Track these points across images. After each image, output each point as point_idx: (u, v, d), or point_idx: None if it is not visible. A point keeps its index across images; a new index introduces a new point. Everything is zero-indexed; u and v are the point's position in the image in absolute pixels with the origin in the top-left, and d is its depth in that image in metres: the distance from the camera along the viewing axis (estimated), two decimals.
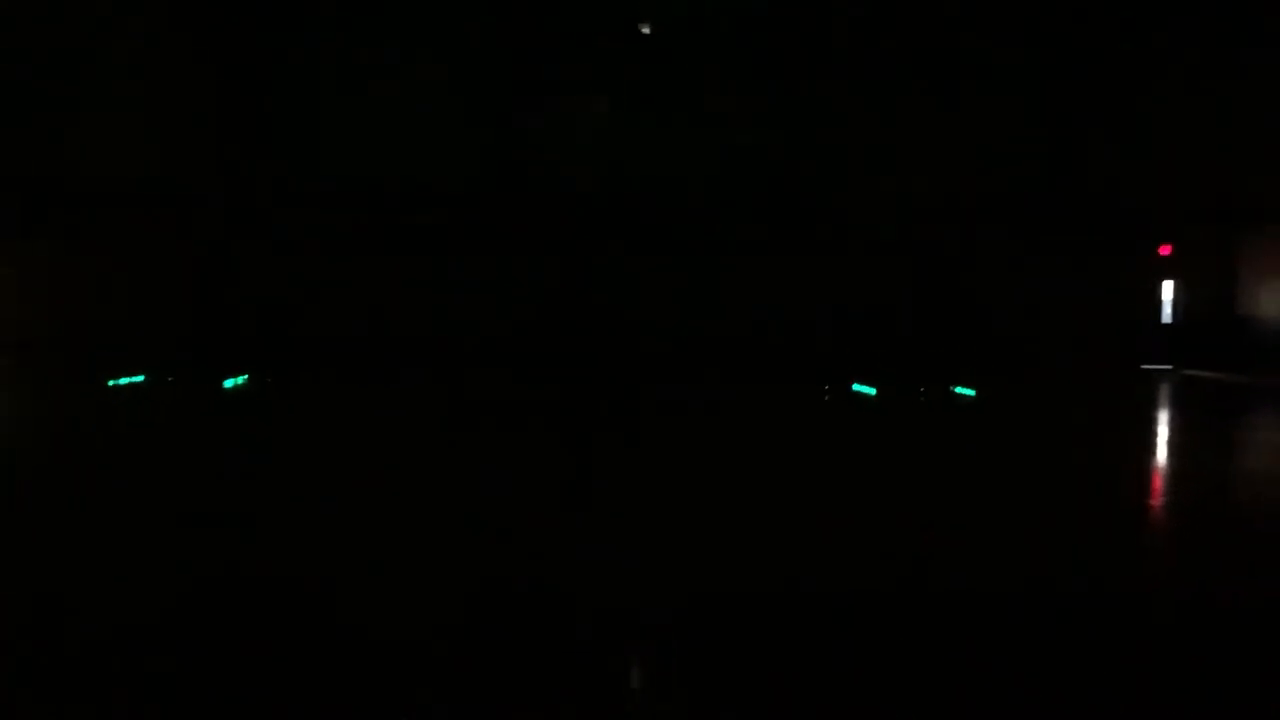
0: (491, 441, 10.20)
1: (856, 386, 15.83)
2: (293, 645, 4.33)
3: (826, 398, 14.70)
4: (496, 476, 8.18)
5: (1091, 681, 4.04)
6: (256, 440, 10.15)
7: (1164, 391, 17.08)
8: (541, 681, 3.97)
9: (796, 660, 4.24)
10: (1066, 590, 5.29)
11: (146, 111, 19.32)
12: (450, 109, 20.00)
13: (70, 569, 5.38)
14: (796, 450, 10.08)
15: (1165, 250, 21.59)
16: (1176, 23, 19.97)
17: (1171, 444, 11.33)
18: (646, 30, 19.75)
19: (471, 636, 4.47)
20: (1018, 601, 5.08)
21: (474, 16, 19.91)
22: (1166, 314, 21.83)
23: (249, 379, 15.66)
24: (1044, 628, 4.70)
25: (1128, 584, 5.50)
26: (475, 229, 20.14)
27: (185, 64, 19.52)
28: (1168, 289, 21.84)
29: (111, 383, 14.79)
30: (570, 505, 7.28)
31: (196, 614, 4.70)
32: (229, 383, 15.04)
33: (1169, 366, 21.37)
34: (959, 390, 15.69)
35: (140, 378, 15.46)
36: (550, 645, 4.37)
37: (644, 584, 5.29)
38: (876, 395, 14.94)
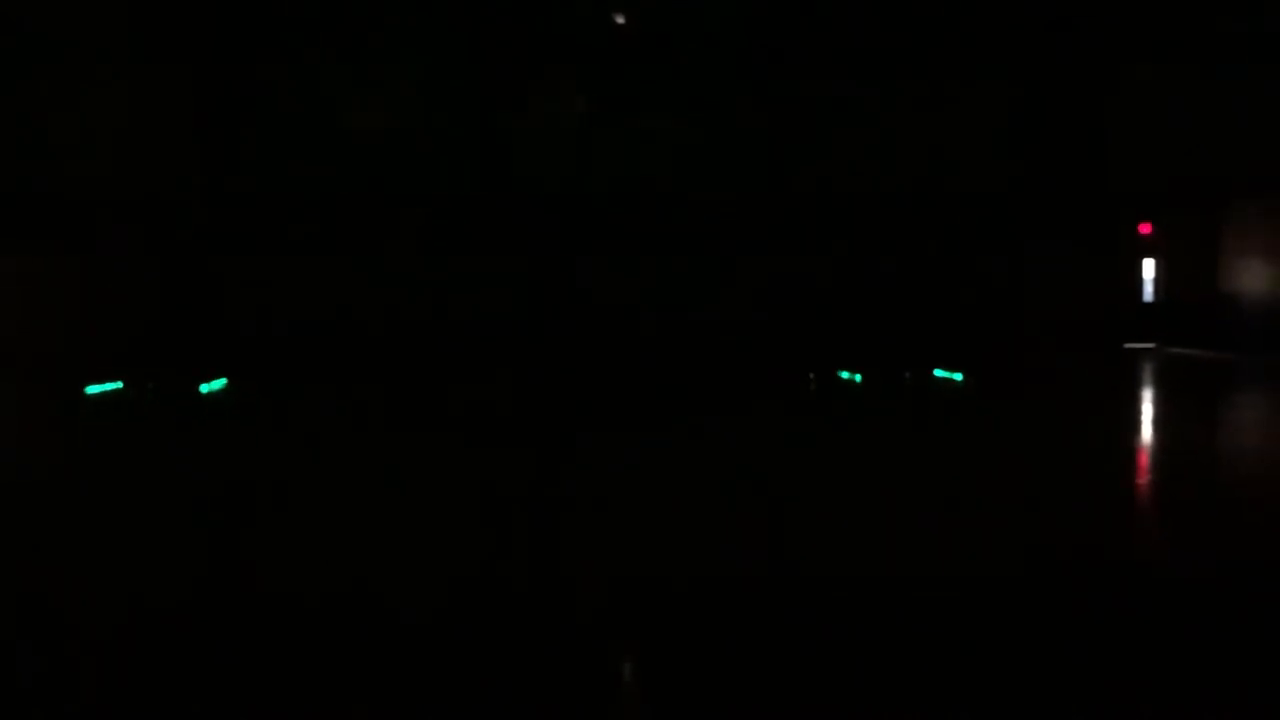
0: (485, 442, 10.07)
1: (841, 373, 15.78)
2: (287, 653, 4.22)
3: (812, 385, 14.64)
4: (498, 476, 8.07)
5: (1093, 665, 3.98)
6: (240, 448, 9.98)
7: (1147, 370, 17.10)
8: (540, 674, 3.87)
9: (802, 649, 4.15)
10: (1079, 571, 5.25)
11: (116, 114, 18.98)
12: (427, 109, 19.79)
13: (65, 577, 5.24)
14: (786, 437, 9.99)
15: (1145, 229, 21.64)
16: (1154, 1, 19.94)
17: (1158, 421, 11.32)
18: (621, 20, 19.59)
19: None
20: (1026, 585, 5.02)
21: (450, 16, 19.69)
22: (1148, 292, 21.90)
23: (228, 384, 15.47)
24: (1050, 609, 4.64)
25: (1133, 564, 5.45)
26: (456, 229, 19.95)
27: (154, 66, 19.20)
28: (1149, 267, 21.91)
29: (89, 390, 14.55)
30: (572, 490, 7.18)
31: (190, 618, 4.58)
32: (206, 387, 14.83)
33: (1152, 345, 21.45)
34: (944, 374, 15.66)
35: (118, 384, 15.23)
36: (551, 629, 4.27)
37: (643, 571, 5.19)
38: (861, 381, 14.88)
